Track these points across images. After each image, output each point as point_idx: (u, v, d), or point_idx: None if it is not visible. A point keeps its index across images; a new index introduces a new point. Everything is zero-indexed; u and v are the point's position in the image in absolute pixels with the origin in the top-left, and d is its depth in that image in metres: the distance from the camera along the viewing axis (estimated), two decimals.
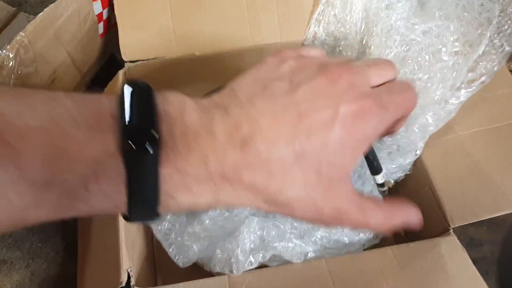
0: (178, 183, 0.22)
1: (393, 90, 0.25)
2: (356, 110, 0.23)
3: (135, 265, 0.39)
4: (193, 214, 0.39)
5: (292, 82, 0.24)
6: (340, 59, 0.26)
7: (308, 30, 0.50)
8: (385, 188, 0.34)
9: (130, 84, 0.22)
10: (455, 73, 0.34)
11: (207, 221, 0.35)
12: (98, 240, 0.41)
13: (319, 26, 0.49)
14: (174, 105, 0.23)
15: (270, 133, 0.22)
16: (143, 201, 0.22)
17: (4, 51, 0.41)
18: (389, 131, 0.28)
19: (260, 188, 0.23)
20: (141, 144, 0.20)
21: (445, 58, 0.35)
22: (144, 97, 0.22)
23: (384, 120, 0.24)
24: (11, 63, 0.42)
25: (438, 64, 0.35)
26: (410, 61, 0.37)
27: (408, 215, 0.27)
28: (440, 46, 0.36)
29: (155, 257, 0.49)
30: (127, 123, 0.21)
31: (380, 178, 0.32)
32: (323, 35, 0.49)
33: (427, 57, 0.36)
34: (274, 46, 0.51)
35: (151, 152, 0.21)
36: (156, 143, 0.21)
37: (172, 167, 0.21)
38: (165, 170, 0.21)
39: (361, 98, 0.23)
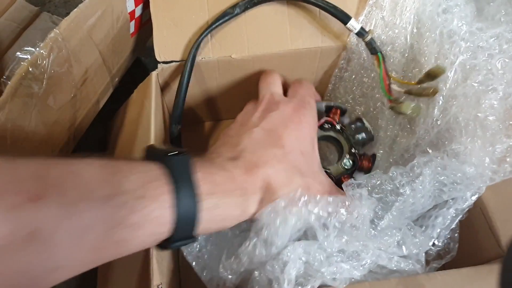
0: (210, 193, 0.29)
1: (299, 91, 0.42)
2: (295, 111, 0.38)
3: (164, 280, 0.36)
4: (225, 241, 0.37)
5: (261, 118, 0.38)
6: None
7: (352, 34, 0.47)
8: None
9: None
10: None
11: (245, 258, 0.33)
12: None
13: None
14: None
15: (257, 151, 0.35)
16: (186, 210, 0.28)
17: (37, 48, 0.38)
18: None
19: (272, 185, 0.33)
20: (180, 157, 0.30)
21: None
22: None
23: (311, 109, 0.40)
24: (44, 61, 0.39)
25: None
26: (478, 69, 0.34)
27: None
28: None
29: (181, 271, 0.46)
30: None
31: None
32: None
33: (498, 65, 0.33)
34: (314, 51, 0.49)
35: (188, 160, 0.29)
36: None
37: (203, 173, 0.30)
38: (199, 175, 0.29)
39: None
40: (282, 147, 0.34)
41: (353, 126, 0.43)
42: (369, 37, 0.41)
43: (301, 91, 0.41)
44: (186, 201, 0.27)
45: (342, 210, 0.32)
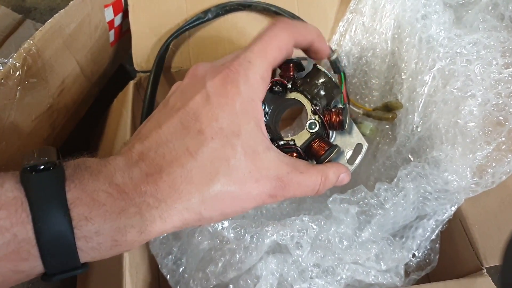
0: (86, 217, 0.24)
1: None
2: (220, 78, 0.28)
3: None
4: (201, 252, 0.36)
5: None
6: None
7: (332, 39, 0.47)
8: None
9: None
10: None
11: (213, 278, 0.31)
12: (100, 265, 0.37)
13: (344, 35, 0.46)
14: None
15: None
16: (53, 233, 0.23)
17: (11, 60, 0.38)
18: None
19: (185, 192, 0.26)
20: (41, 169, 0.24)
21: (496, 70, 0.32)
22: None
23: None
24: (18, 72, 0.38)
25: (491, 77, 0.32)
26: (457, 75, 0.34)
27: (340, 172, 0.31)
28: (491, 59, 0.33)
29: (160, 282, 0.45)
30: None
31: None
32: (349, 44, 0.46)
33: (477, 71, 0.33)
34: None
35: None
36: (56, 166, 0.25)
37: (79, 191, 0.24)
38: (72, 194, 0.24)
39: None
40: (199, 133, 0.27)
41: (308, 79, 0.34)
42: (334, 56, 0.38)
43: (248, 51, 0.29)
44: (52, 230, 0.23)
45: (312, 225, 0.30)
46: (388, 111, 0.40)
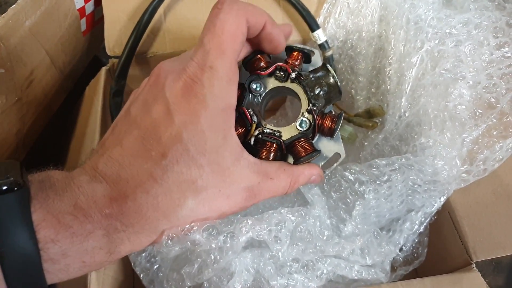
0: (53, 240, 0.23)
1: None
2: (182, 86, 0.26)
3: None
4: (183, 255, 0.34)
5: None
6: None
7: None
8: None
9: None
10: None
11: (188, 280, 0.29)
12: None
13: (328, 18, 0.44)
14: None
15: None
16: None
17: None
18: None
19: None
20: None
21: (488, 51, 0.30)
22: None
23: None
24: None
25: (482, 58, 0.30)
26: (446, 56, 0.31)
27: (312, 174, 0.30)
28: (482, 39, 0.31)
29: (135, 281, 0.43)
30: None
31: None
32: (333, 27, 0.44)
33: (467, 51, 0.30)
34: None
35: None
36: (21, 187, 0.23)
37: (45, 212, 0.23)
38: (38, 215, 0.23)
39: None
40: (162, 157, 0.25)
41: (313, 76, 0.32)
42: (329, 53, 0.36)
43: (205, 53, 0.26)
44: (17, 254, 0.22)
45: (290, 216, 0.28)
46: (370, 117, 0.39)
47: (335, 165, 0.32)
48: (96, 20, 0.48)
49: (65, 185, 0.24)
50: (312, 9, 0.44)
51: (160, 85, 0.26)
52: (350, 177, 0.31)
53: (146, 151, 0.25)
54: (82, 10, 0.45)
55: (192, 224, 0.26)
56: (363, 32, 0.41)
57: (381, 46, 0.41)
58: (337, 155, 0.32)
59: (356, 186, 0.30)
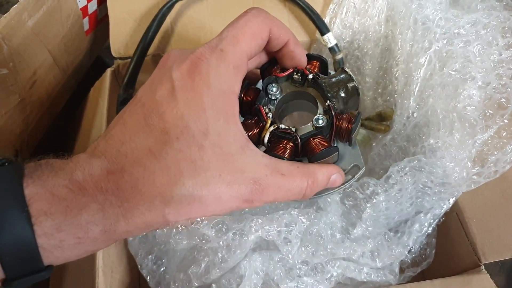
0: (46, 213, 0.22)
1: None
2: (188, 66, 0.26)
3: None
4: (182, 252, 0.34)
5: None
6: None
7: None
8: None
9: None
10: None
11: (195, 280, 0.29)
12: (74, 264, 0.34)
13: (335, 19, 0.44)
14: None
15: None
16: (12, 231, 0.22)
17: None
18: None
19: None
20: None
21: (497, 51, 0.30)
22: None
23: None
24: None
25: (491, 58, 0.29)
26: (455, 56, 0.31)
27: (332, 173, 0.28)
28: (491, 39, 0.30)
29: (141, 283, 0.43)
30: None
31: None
32: (340, 28, 0.44)
33: (476, 51, 0.30)
34: None
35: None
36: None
37: (38, 186, 0.23)
38: (30, 190, 0.22)
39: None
40: (163, 133, 0.25)
41: (330, 79, 0.31)
42: (340, 56, 0.35)
43: (220, 38, 0.27)
44: (9, 229, 0.21)
45: (301, 218, 0.28)
46: (381, 120, 0.38)
47: (354, 178, 0.30)
48: (99, 19, 0.47)
49: (62, 164, 0.24)
50: (318, 10, 0.44)
51: (167, 67, 0.26)
52: (367, 191, 0.30)
53: (147, 127, 0.25)
54: (84, 9, 0.45)
55: (202, 217, 0.26)
56: (370, 33, 0.41)
57: (387, 47, 0.41)
58: (356, 167, 0.30)
59: (368, 192, 0.30)
